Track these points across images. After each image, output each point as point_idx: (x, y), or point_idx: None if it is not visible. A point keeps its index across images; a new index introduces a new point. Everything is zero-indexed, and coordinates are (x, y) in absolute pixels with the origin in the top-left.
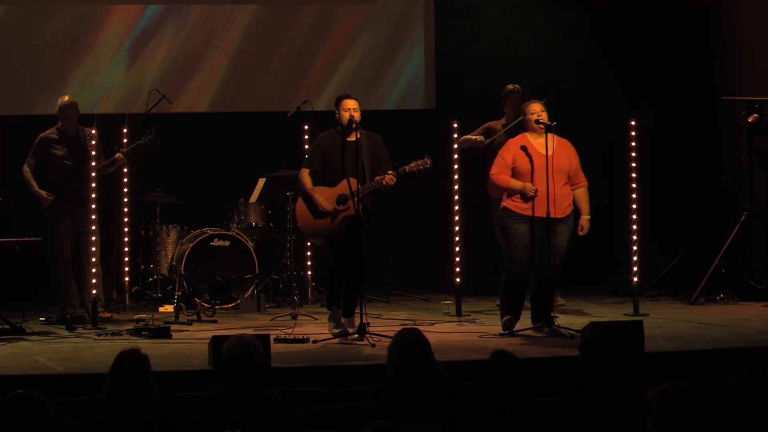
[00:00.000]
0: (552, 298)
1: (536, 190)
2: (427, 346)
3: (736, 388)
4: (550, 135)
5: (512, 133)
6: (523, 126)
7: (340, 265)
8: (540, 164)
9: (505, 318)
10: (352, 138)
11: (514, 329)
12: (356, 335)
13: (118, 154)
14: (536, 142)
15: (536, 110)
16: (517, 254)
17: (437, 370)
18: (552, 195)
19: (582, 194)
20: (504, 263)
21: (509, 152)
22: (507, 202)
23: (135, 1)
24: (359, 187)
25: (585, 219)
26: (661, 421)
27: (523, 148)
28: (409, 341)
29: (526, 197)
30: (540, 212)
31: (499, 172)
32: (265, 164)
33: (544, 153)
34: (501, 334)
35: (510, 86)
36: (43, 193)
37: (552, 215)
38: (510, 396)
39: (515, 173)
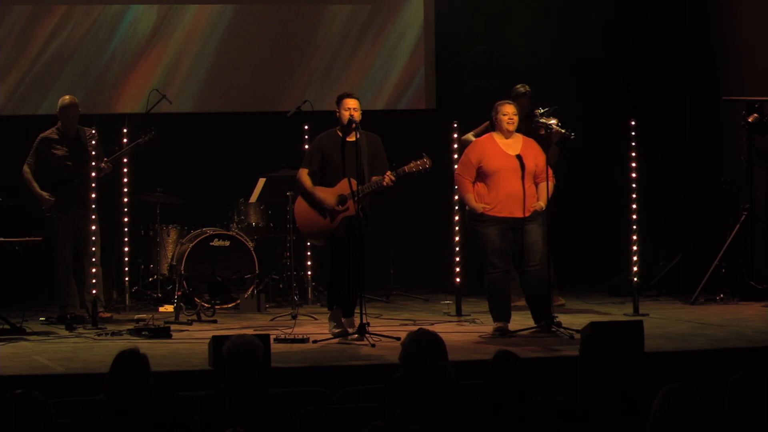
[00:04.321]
0: (547, 296)
1: (484, 208)
2: (442, 343)
3: (736, 388)
4: (518, 135)
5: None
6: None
7: (340, 265)
8: (507, 165)
9: (496, 326)
10: (352, 138)
11: (515, 330)
12: (356, 335)
13: (103, 164)
14: (503, 143)
15: (508, 112)
16: (492, 257)
17: (449, 370)
18: (520, 195)
19: (543, 187)
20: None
21: (474, 152)
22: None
23: (136, 0)
24: (359, 187)
25: (537, 204)
26: (661, 421)
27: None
28: (426, 337)
29: (493, 198)
30: (507, 213)
31: (463, 174)
32: (265, 164)
33: (511, 154)
34: (501, 335)
35: (520, 88)
36: (45, 194)
37: (520, 215)
38: (511, 396)
39: (481, 173)
